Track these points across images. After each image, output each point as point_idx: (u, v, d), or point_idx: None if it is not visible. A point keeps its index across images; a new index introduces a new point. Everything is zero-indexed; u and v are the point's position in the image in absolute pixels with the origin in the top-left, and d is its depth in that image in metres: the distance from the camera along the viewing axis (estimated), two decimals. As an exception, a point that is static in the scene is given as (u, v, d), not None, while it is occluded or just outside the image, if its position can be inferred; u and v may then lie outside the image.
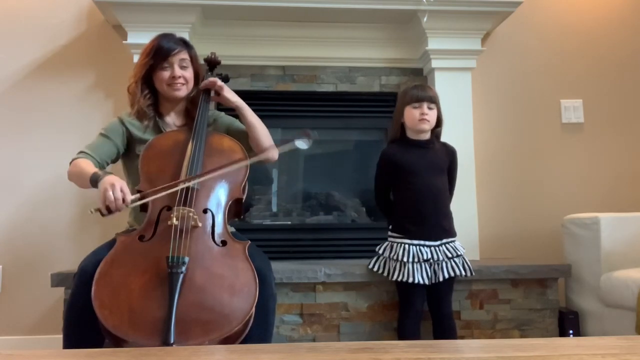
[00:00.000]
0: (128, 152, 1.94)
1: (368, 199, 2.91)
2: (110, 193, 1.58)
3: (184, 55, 1.92)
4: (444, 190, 2.10)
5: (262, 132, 1.94)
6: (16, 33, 2.70)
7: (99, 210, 1.60)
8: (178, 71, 1.89)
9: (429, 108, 2.05)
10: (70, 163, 1.82)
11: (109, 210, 1.59)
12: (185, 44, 1.95)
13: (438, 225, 2.04)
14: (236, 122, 2.02)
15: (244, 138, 1.94)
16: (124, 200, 1.59)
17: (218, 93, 1.94)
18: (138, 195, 1.65)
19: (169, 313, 1.42)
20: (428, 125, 2.06)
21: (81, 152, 1.85)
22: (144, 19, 2.51)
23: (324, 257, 2.63)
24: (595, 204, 2.80)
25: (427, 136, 2.10)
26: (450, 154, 2.15)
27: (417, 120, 2.04)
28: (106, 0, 2.47)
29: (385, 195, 2.17)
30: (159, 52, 1.88)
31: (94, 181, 1.68)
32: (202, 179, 1.70)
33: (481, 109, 2.83)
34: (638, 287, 2.01)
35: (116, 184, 1.60)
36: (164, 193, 1.65)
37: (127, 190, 1.62)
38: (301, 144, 1.71)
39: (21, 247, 2.60)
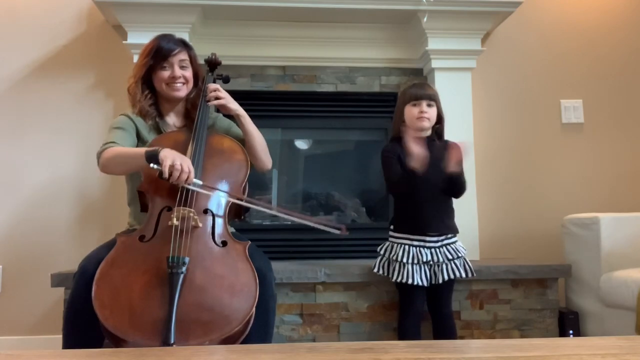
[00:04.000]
0: None
1: (368, 199, 2.91)
2: (179, 164, 1.59)
3: (184, 55, 1.92)
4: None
5: (259, 141, 1.95)
6: (16, 33, 2.70)
7: (161, 172, 1.59)
8: (178, 71, 1.90)
9: (428, 105, 2.05)
10: (100, 155, 1.77)
11: (169, 178, 1.59)
12: (185, 45, 1.95)
13: (440, 222, 2.04)
14: (234, 127, 2.02)
15: (241, 143, 1.94)
16: (188, 177, 1.60)
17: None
18: (200, 182, 1.66)
19: (169, 313, 1.42)
20: (428, 123, 2.06)
21: (107, 143, 1.79)
22: (144, 19, 2.51)
23: (324, 257, 2.63)
24: (595, 204, 2.80)
25: (427, 134, 2.10)
26: None
27: (416, 118, 2.04)
28: (106, 0, 2.47)
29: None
30: (159, 53, 1.88)
31: (152, 156, 1.62)
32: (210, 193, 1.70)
33: (481, 109, 2.83)
34: (638, 287, 2.01)
35: (186, 159, 1.63)
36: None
37: (192, 169, 1.63)
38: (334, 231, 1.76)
39: (21, 247, 2.60)
